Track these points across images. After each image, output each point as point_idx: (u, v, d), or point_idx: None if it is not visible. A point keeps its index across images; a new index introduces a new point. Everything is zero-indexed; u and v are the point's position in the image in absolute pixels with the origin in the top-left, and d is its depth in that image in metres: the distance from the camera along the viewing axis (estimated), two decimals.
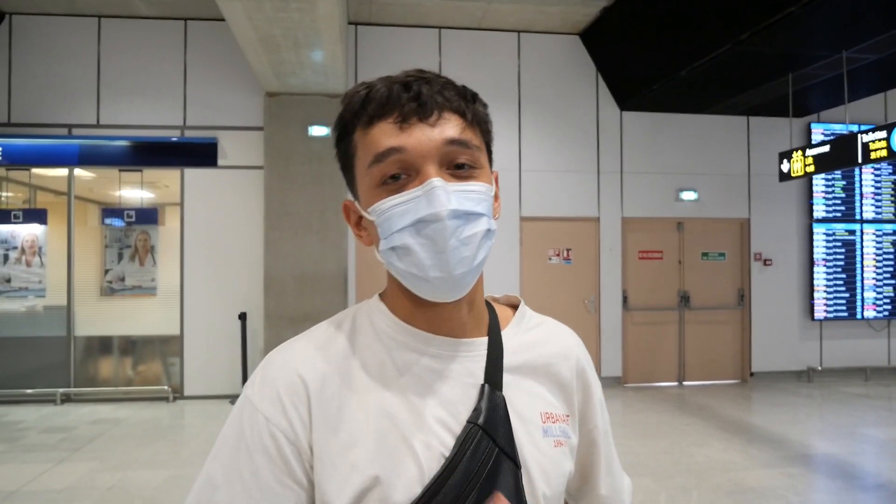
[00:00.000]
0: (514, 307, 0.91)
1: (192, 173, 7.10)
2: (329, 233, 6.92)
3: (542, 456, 0.80)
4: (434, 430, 0.74)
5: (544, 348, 0.86)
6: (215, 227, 7.09)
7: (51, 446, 5.21)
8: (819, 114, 8.15)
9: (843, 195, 8.23)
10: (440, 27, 7.49)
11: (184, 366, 7.04)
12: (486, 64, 7.56)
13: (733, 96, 7.22)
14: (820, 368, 8.08)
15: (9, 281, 6.96)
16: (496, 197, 0.81)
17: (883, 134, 5.29)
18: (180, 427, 6.08)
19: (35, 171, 7.18)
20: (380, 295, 0.86)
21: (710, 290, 8.05)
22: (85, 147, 6.93)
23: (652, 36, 6.64)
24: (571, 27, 7.62)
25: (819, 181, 8.16)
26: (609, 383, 7.61)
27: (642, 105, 7.68)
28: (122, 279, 7.05)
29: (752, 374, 8.01)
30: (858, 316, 8.18)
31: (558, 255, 7.73)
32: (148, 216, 7.13)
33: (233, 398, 6.94)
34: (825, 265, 8.15)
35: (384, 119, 0.74)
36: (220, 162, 7.10)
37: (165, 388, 6.97)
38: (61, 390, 6.80)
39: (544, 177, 7.59)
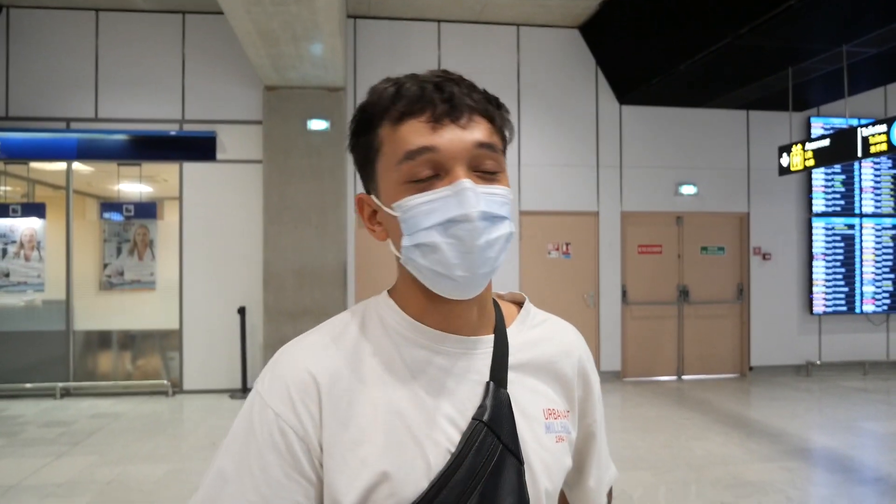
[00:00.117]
0: (518, 304, 0.93)
1: (191, 167, 7.08)
2: (328, 227, 6.92)
3: (545, 452, 0.81)
4: (442, 426, 0.75)
5: (548, 346, 0.88)
6: (214, 221, 7.08)
7: (50, 440, 5.22)
8: (819, 108, 8.13)
9: (843, 189, 8.23)
10: (439, 20, 7.46)
11: (183, 360, 7.05)
12: (485, 57, 7.53)
13: (733, 90, 7.20)
14: (819, 363, 8.09)
15: (7, 275, 6.96)
16: None
17: (883, 128, 5.28)
18: (180, 421, 6.09)
19: (33, 164, 7.16)
20: (388, 291, 0.86)
21: (710, 285, 8.05)
22: (83, 141, 6.92)
23: (651, 29, 6.62)
24: (571, 20, 7.60)
25: (819, 175, 8.15)
26: (608, 377, 7.62)
27: (642, 99, 7.66)
28: (121, 273, 7.05)
29: (751, 369, 8.02)
30: (857, 310, 8.19)
31: (557, 249, 7.73)
32: (147, 210, 7.12)
33: (232, 392, 6.95)
34: (824, 259, 8.15)
35: (415, 117, 0.75)
36: (219, 156, 7.08)
37: (165, 382, 6.98)
38: (60, 384, 6.80)
39: (543, 171, 7.58)
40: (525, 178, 7.57)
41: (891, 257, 8.34)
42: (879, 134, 5.30)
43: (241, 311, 6.88)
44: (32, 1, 6.87)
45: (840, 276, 8.18)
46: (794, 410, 6.30)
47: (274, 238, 6.84)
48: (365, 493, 0.71)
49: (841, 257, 8.20)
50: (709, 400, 6.74)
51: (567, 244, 7.75)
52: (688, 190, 7.88)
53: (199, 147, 7.03)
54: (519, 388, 0.82)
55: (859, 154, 5.54)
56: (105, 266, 7.05)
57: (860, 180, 8.26)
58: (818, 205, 8.16)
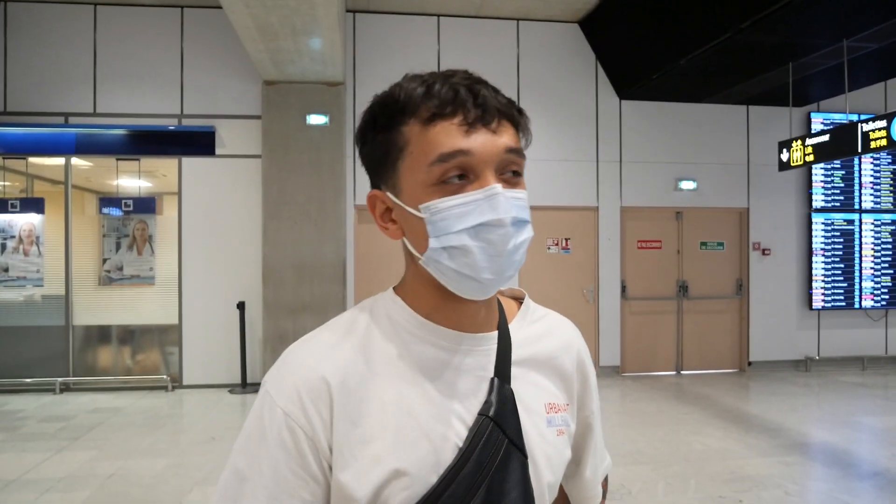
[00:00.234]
0: (518, 299, 0.94)
1: (190, 162, 7.07)
2: (327, 222, 6.91)
3: (547, 445, 0.83)
4: (451, 422, 0.77)
5: (548, 341, 0.90)
6: (213, 216, 7.08)
7: (50, 435, 5.23)
8: (819, 103, 8.12)
9: (843, 185, 8.22)
10: (439, 15, 7.44)
11: (182, 355, 7.05)
12: (484, 52, 7.51)
13: (733, 85, 7.19)
14: (817, 358, 8.10)
15: (7, 270, 6.95)
16: None
17: (883, 123, 5.28)
18: (179, 416, 6.09)
19: (32, 159, 7.15)
20: (394, 288, 0.86)
21: (709, 280, 8.06)
22: (82, 136, 6.90)
23: (651, 24, 6.60)
24: (571, 15, 7.58)
25: (818, 171, 8.15)
26: (607, 372, 7.63)
27: (641, 94, 7.65)
28: (121, 268, 7.04)
29: (749, 364, 8.03)
30: (856, 305, 8.20)
31: (557, 244, 7.73)
32: (146, 205, 7.11)
33: (232, 387, 6.96)
34: (824, 255, 8.15)
35: (447, 119, 0.75)
36: (218, 151, 7.07)
37: (164, 377, 6.98)
38: (60, 379, 6.81)
39: (543, 166, 7.56)
40: (524, 172, 7.54)
41: (890, 253, 8.34)
42: (879, 129, 5.30)
43: (241, 305, 6.88)
44: None
45: (839, 272, 8.19)
46: (793, 405, 6.32)
47: (273, 233, 6.83)
48: (376, 490, 0.72)
49: (840, 253, 8.20)
50: (708, 395, 6.75)
51: (566, 239, 7.74)
52: (687, 185, 7.87)
53: (197, 142, 7.02)
54: (522, 383, 0.83)
55: (859, 149, 5.53)
56: (104, 261, 7.05)
57: (860, 176, 8.26)
58: (818, 200, 8.16)
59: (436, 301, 0.81)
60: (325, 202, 6.89)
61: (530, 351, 0.87)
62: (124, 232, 7.06)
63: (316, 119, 6.81)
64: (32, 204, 7.03)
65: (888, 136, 5.22)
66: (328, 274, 6.90)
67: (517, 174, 0.78)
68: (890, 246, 8.34)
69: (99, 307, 7.07)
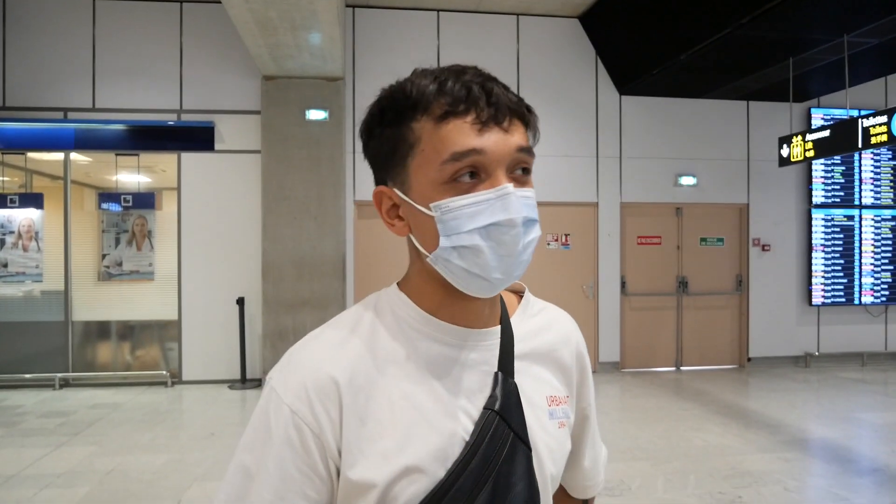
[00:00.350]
0: (518, 293, 0.94)
1: (189, 157, 7.05)
2: (327, 217, 6.90)
3: (550, 438, 0.85)
4: (458, 417, 0.78)
5: (548, 335, 0.91)
6: (213, 211, 7.07)
7: (50, 431, 5.23)
8: (819, 98, 8.11)
9: (843, 180, 8.21)
10: (438, 10, 7.41)
11: (182, 351, 7.05)
12: (484, 47, 7.48)
13: (733, 81, 7.17)
14: (817, 354, 8.11)
15: (6, 266, 6.95)
16: None
17: (883, 119, 5.26)
18: (179, 411, 6.10)
19: (31, 155, 7.14)
20: (398, 284, 0.86)
21: (709, 276, 8.05)
22: (81, 131, 6.89)
23: (652, 19, 6.58)
24: (571, 10, 7.55)
25: (818, 166, 8.14)
26: (607, 368, 7.63)
27: (642, 89, 7.63)
28: (120, 264, 7.04)
29: (749, 360, 8.04)
30: (856, 301, 8.20)
31: (557, 240, 7.72)
32: (145, 201, 7.10)
33: (231, 383, 6.96)
34: (823, 251, 8.15)
35: (460, 117, 0.74)
36: (217, 146, 7.05)
37: (164, 372, 6.99)
38: (59, 375, 6.81)
39: (542, 161, 7.53)
40: None
41: (890, 249, 8.34)
42: (880, 125, 5.29)
43: (240, 301, 6.88)
44: None
45: (839, 268, 8.19)
46: (793, 401, 6.32)
47: (272, 228, 6.82)
48: (386, 486, 0.73)
49: (840, 248, 8.20)
50: (707, 391, 6.76)
51: (566, 235, 7.74)
52: (687, 181, 7.86)
53: (197, 137, 7.00)
54: (524, 376, 0.84)
55: (859, 145, 5.52)
56: (103, 257, 7.04)
57: (860, 171, 8.25)
58: (818, 196, 8.15)
59: (441, 298, 0.81)
60: (324, 198, 6.89)
61: (532, 345, 0.87)
62: (123, 227, 7.06)
63: (315, 114, 6.79)
64: (31, 199, 7.02)
65: (888, 132, 5.21)
66: (328, 270, 6.89)
67: (526, 171, 0.78)
68: (890, 242, 8.34)
69: (98, 303, 7.06)
